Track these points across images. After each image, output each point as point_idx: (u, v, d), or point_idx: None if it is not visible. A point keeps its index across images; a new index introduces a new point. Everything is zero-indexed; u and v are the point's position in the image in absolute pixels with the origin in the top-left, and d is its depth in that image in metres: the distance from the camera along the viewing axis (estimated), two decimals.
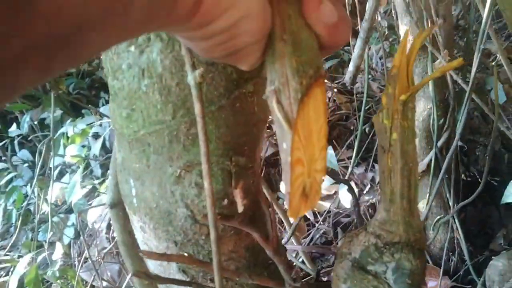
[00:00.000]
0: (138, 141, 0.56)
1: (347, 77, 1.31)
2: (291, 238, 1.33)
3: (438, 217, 1.76)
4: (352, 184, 1.78)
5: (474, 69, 1.25)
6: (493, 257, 1.83)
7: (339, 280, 0.69)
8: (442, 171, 1.39)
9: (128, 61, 0.53)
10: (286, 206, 0.43)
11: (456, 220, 1.78)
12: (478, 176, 2.08)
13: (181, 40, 0.41)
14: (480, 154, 1.99)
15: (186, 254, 0.61)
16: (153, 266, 0.69)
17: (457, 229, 1.80)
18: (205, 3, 0.32)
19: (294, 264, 1.25)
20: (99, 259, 1.70)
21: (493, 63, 1.99)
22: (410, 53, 0.61)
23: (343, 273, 0.69)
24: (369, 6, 1.43)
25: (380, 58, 2.20)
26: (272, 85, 0.39)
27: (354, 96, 2.24)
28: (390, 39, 2.34)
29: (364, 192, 2.11)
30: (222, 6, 0.33)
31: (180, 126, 0.54)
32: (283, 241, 1.14)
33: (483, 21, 1.10)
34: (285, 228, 1.54)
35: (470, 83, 1.32)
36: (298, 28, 0.38)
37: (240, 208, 0.58)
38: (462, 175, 1.96)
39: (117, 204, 0.76)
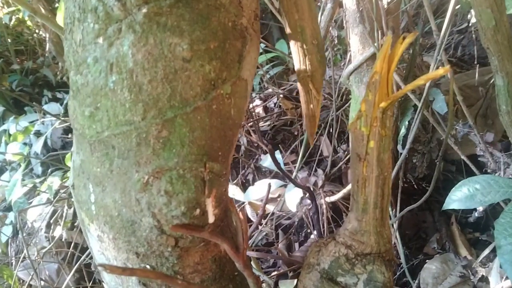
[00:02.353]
0: (101, 143, 0.48)
1: None
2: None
3: None
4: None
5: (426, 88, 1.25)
6: (427, 260, 1.85)
7: None
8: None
9: (95, 54, 0.46)
10: None
11: (394, 225, 1.78)
12: (414, 183, 2.09)
13: None
14: (418, 162, 2.00)
15: (148, 267, 0.54)
16: (108, 277, 0.61)
17: (394, 233, 1.80)
18: None
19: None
20: (38, 259, 1.58)
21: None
22: (391, 60, 0.57)
23: (311, 285, 0.64)
24: (324, 15, 1.40)
25: (328, 66, 2.18)
26: None
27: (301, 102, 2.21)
28: (335, 49, 2.33)
29: (306, 195, 2.08)
30: None
31: (151, 128, 0.47)
32: None
33: (441, 35, 1.08)
34: None
35: (422, 100, 1.31)
36: None
37: (211, 219, 0.52)
38: (399, 181, 1.96)
39: None
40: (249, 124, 2.21)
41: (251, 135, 2.19)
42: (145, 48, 0.45)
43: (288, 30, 0.62)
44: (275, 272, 1.92)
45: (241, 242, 0.55)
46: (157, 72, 0.45)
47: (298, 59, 0.64)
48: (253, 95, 2.53)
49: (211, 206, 0.51)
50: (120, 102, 0.46)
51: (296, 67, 0.65)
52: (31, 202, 1.83)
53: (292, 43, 0.63)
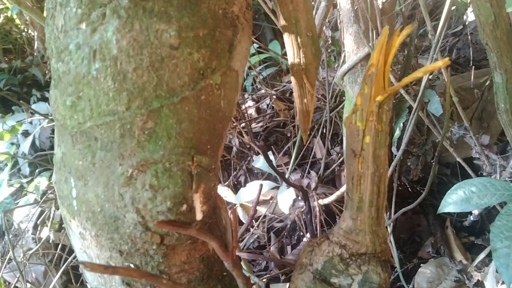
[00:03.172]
0: (83, 134, 0.46)
1: None
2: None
3: None
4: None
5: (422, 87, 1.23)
6: (421, 264, 1.82)
7: None
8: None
9: (78, 40, 0.44)
10: None
11: (388, 228, 1.76)
12: (408, 186, 2.07)
13: None
14: (412, 165, 1.99)
15: (132, 265, 0.52)
16: (91, 276, 0.59)
17: (388, 236, 1.78)
18: None
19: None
20: (24, 260, 1.55)
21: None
22: (387, 52, 0.55)
23: (304, 286, 0.62)
24: (318, 13, 1.38)
25: (321, 68, 2.17)
26: None
27: (294, 104, 2.20)
28: (329, 50, 2.32)
29: (299, 197, 2.07)
30: None
31: (135, 118, 0.45)
32: None
33: (437, 32, 1.07)
34: None
35: (417, 101, 1.29)
36: None
37: (199, 215, 0.50)
38: (394, 184, 1.95)
39: None
40: (241, 125, 2.19)
41: (243, 136, 2.17)
42: (130, 34, 0.43)
43: (282, 22, 0.60)
44: (267, 276, 1.90)
45: (230, 241, 0.53)
46: (143, 60, 0.43)
47: (292, 52, 0.62)
48: (246, 96, 2.51)
49: (199, 202, 0.49)
50: (104, 91, 0.44)
51: (290, 60, 0.63)
52: (18, 203, 1.80)
53: (286, 35, 0.61)
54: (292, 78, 0.64)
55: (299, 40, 0.60)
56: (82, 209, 0.50)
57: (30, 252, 1.63)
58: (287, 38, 0.62)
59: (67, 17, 0.44)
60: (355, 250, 0.59)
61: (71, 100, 0.45)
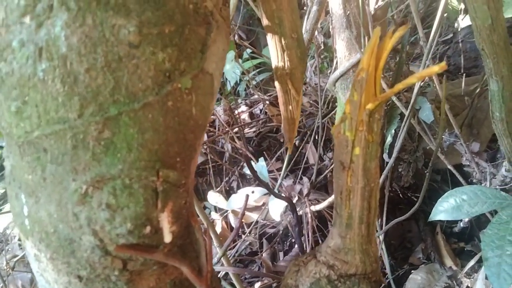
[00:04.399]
0: (30, 145, 0.38)
1: None
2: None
3: None
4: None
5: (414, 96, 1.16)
6: (412, 270, 1.79)
7: None
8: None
9: (21, 36, 0.36)
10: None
11: (380, 237, 1.71)
12: (399, 192, 2.01)
13: None
14: (403, 171, 1.93)
15: None
16: None
17: (380, 243, 1.72)
18: None
19: None
20: (8, 268, 1.46)
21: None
22: (379, 55, 0.47)
23: None
24: (310, 17, 1.31)
25: (314, 73, 2.10)
26: None
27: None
28: (322, 56, 2.25)
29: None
30: None
31: (89, 127, 0.37)
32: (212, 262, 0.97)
33: (431, 37, 0.99)
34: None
35: (409, 108, 1.22)
36: None
37: (168, 237, 0.42)
38: (385, 191, 1.89)
39: None
40: (234, 130, 2.12)
41: (235, 142, 2.09)
42: (82, 29, 0.35)
43: (265, 22, 0.52)
44: (259, 283, 1.83)
45: (205, 264, 0.46)
46: (97, 59, 0.35)
47: (275, 55, 0.54)
48: (239, 101, 2.44)
49: (167, 223, 0.41)
50: (52, 95, 0.36)
51: (274, 64, 0.55)
52: (2, 209, 1.71)
53: (269, 37, 0.54)
54: (276, 84, 0.56)
55: (283, 42, 0.53)
56: (35, 229, 0.42)
57: (16, 259, 1.54)
58: (271, 40, 0.54)
59: (9, 9, 0.36)
60: (343, 271, 0.51)
61: (16, 106, 0.38)
